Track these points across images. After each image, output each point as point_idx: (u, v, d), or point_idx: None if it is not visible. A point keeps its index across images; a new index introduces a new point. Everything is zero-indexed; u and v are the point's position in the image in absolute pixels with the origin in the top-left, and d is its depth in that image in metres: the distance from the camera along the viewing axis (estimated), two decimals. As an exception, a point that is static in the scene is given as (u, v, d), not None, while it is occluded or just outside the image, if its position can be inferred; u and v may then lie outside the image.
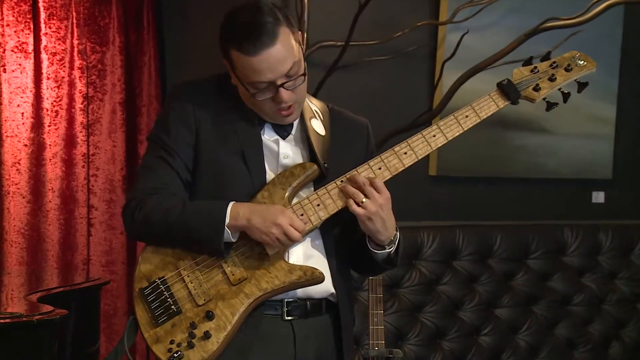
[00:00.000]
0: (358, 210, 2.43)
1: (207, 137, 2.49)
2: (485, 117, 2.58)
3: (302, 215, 2.46)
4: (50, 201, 4.53)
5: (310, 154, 2.54)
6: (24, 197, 4.49)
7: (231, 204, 2.41)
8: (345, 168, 2.54)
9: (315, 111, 2.63)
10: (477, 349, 4.40)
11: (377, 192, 2.44)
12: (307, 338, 2.52)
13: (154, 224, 2.45)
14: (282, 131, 2.54)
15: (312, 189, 2.53)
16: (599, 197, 5.12)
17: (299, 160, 2.54)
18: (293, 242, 2.41)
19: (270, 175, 2.51)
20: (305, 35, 4.20)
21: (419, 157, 2.54)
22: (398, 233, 2.56)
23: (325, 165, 2.51)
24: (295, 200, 2.51)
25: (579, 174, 5.02)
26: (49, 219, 4.54)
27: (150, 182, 2.49)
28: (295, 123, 2.57)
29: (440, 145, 2.55)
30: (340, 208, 2.49)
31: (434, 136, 2.55)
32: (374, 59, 4.49)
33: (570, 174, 4.99)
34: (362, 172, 2.50)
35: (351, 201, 2.44)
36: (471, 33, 4.41)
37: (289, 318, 2.51)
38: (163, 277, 2.46)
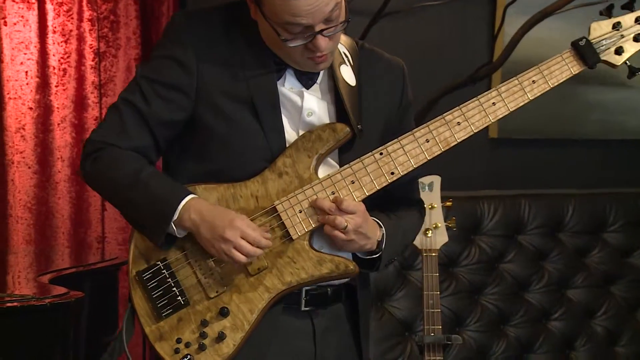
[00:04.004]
0: (339, 236, 2.38)
1: (210, 83, 2.39)
2: (556, 84, 2.52)
3: (332, 193, 2.40)
4: (59, 171, 4.59)
5: (340, 110, 2.47)
6: (29, 167, 4.55)
7: (186, 199, 2.33)
8: (379, 127, 2.50)
9: (344, 54, 2.53)
10: (547, 336, 4.42)
11: (350, 214, 2.38)
12: (326, 331, 2.52)
13: (103, 186, 2.44)
14: (306, 79, 2.45)
15: (337, 152, 2.48)
16: (688, 160, 5.10)
17: (325, 118, 2.47)
18: (247, 259, 2.33)
19: (290, 135, 2.44)
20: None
21: (475, 131, 2.48)
22: (383, 229, 2.49)
23: (359, 127, 2.45)
24: (323, 174, 2.44)
25: (664, 134, 5.01)
26: (58, 191, 4.60)
27: (113, 130, 2.41)
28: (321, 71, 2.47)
29: (500, 116, 2.49)
30: (379, 188, 2.44)
31: (494, 104, 2.48)
32: (425, 4, 4.49)
33: (653, 134, 4.98)
34: (407, 145, 2.44)
35: (329, 228, 2.38)
36: (538, -29, 4.40)
37: (307, 308, 2.48)
38: (165, 259, 2.40)
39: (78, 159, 4.62)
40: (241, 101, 2.39)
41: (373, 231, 2.46)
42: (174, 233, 2.36)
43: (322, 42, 2.30)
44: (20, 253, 4.42)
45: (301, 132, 2.44)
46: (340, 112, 2.47)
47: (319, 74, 2.47)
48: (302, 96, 2.44)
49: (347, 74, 2.50)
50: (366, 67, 2.55)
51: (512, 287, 4.41)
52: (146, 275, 2.39)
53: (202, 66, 2.39)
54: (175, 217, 2.32)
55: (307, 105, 2.44)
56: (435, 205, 3.32)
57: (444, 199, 3.34)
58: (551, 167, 4.86)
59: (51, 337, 3.04)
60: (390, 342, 4.18)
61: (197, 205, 2.33)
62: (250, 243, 2.31)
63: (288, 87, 2.44)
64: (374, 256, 2.50)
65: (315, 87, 2.47)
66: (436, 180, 3.30)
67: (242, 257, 2.30)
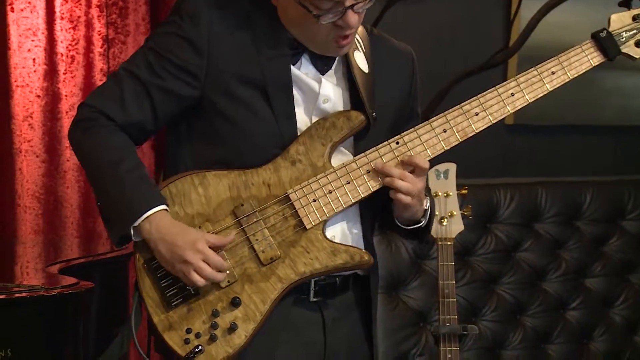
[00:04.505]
0: (403, 200, 2.41)
1: (222, 65, 2.38)
2: (575, 75, 2.54)
3: (348, 183, 2.41)
4: (67, 160, 4.59)
5: (354, 97, 2.47)
6: (37, 156, 4.56)
7: (153, 210, 2.33)
8: (390, 114, 2.51)
9: (357, 40, 2.53)
10: (564, 326, 4.42)
11: (422, 176, 2.43)
12: (336, 321, 2.52)
13: (84, 164, 2.44)
14: (322, 64, 2.45)
15: (351, 140, 2.48)
16: None
17: (340, 105, 2.47)
18: (207, 282, 2.32)
19: (302, 122, 2.44)
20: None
21: (494, 121, 2.50)
22: (428, 199, 2.53)
23: (374, 114, 2.45)
24: (336, 163, 2.44)
25: (685, 120, 4.99)
26: (66, 180, 4.60)
27: (110, 100, 2.40)
28: (337, 58, 2.47)
29: (519, 107, 2.51)
30: None
31: (512, 95, 2.49)
32: (439, -12, 4.50)
33: (674, 119, 4.97)
34: (423, 135, 2.45)
35: (392, 192, 2.41)
36: (555, -46, 4.38)
37: (316, 299, 2.49)
38: None
39: (87, 147, 4.64)
40: (253, 85, 2.39)
41: (423, 199, 2.49)
42: (130, 236, 2.36)
43: (352, 17, 2.31)
44: (29, 243, 4.42)
45: (314, 119, 2.44)
46: (354, 99, 2.47)
47: (334, 60, 2.46)
48: (319, 82, 2.44)
49: (361, 61, 2.50)
50: (377, 53, 2.55)
51: (529, 276, 4.41)
52: (155, 264, 2.38)
53: (214, 47, 2.38)
54: (135, 223, 2.33)
55: (323, 92, 2.44)
56: (451, 193, 3.32)
57: (459, 186, 3.34)
58: (568, 154, 4.85)
59: (61, 328, 3.05)
60: (405, 333, 4.18)
61: (161, 221, 2.33)
62: (211, 266, 2.31)
63: (304, 71, 2.44)
64: (416, 226, 2.53)
65: (330, 73, 2.47)
66: (451, 167, 3.30)
67: (201, 281, 2.31)
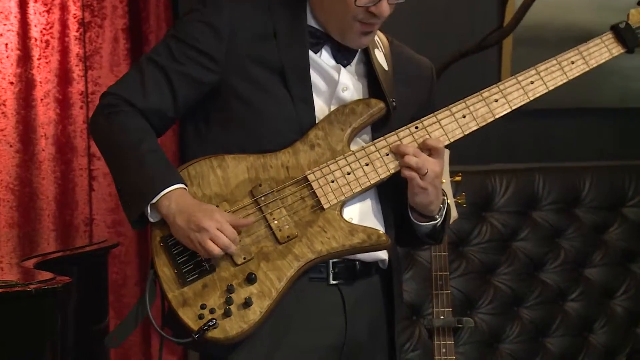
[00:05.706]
0: (416, 180, 2.47)
1: (241, 49, 2.50)
2: (595, 66, 2.66)
3: (366, 165, 2.51)
4: (43, 150, 4.59)
5: (374, 89, 2.57)
6: (11, 146, 4.55)
7: (172, 187, 2.42)
8: (411, 111, 2.60)
9: (378, 41, 2.66)
10: (564, 317, 4.43)
11: (436, 158, 2.51)
12: (357, 304, 2.57)
13: (104, 147, 2.54)
14: (342, 58, 2.57)
15: (370, 133, 2.58)
16: None
17: (359, 95, 2.58)
18: (222, 251, 2.39)
19: (321, 108, 2.54)
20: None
21: (513, 108, 2.60)
22: (446, 198, 2.61)
23: (394, 103, 2.55)
24: (356, 146, 2.54)
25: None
26: (42, 171, 4.59)
27: (131, 86, 2.52)
28: (357, 53, 2.59)
29: (538, 95, 2.61)
30: None
31: (532, 83, 2.61)
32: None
33: (676, 102, 4.96)
34: (443, 120, 2.54)
35: (407, 171, 2.48)
36: None
37: (335, 282, 2.55)
38: None
39: (62, 137, 4.64)
40: (271, 69, 2.51)
41: (439, 189, 2.56)
42: (147, 215, 2.46)
43: (385, 8, 2.43)
44: (3, 237, 4.43)
45: (333, 107, 2.54)
46: (373, 90, 2.57)
47: (354, 55, 2.58)
48: (339, 71, 2.55)
49: (381, 59, 2.61)
50: (398, 60, 2.66)
51: (526, 266, 4.42)
52: (171, 241, 2.46)
53: (234, 32, 2.50)
54: (154, 200, 2.42)
55: (343, 80, 2.55)
56: (444, 180, 3.28)
57: (452, 173, 3.34)
58: (566, 139, 4.85)
59: (37, 325, 3.05)
60: (398, 327, 4.17)
61: (180, 197, 2.43)
62: (227, 236, 2.39)
63: (325, 61, 2.55)
64: (432, 222, 2.59)
65: (350, 67, 2.58)
66: (445, 153, 3.29)
67: (216, 249, 2.38)
